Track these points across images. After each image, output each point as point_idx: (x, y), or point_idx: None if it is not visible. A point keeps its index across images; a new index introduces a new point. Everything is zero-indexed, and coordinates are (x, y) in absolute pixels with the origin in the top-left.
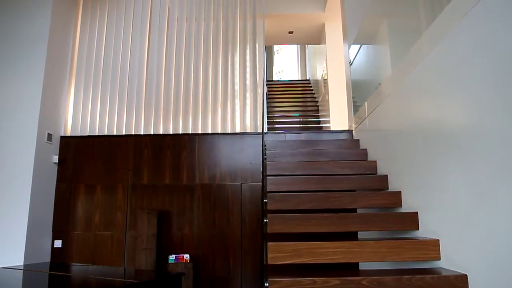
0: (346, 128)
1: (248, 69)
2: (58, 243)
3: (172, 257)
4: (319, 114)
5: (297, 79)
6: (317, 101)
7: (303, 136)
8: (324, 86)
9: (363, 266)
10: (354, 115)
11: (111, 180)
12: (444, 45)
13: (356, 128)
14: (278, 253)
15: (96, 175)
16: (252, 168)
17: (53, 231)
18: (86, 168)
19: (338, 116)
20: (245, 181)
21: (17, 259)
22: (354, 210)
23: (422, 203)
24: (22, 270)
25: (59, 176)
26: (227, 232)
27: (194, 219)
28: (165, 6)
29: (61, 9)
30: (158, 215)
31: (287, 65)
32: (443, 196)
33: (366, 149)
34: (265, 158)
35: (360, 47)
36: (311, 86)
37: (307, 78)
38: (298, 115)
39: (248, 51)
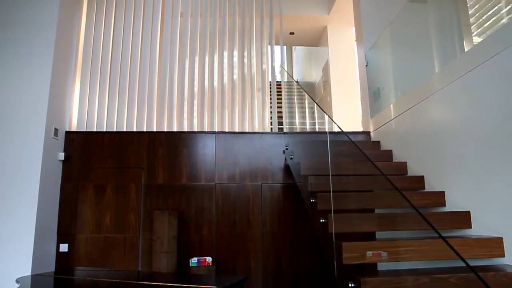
0: (356, 129)
1: (266, 68)
2: (64, 247)
3: (194, 260)
4: (314, 116)
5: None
6: (309, 103)
7: (321, 136)
8: (324, 88)
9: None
10: (371, 117)
11: (123, 179)
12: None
13: (375, 129)
14: (352, 253)
15: (106, 174)
16: (273, 168)
17: (58, 234)
18: (95, 166)
19: (342, 118)
20: (266, 181)
21: (24, 264)
22: (372, 210)
23: (475, 202)
24: (52, 277)
25: (65, 175)
26: (247, 233)
27: (213, 220)
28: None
29: None
30: None
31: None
32: (506, 195)
33: (391, 150)
34: (291, 158)
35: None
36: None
37: (296, 80)
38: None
39: (264, 49)
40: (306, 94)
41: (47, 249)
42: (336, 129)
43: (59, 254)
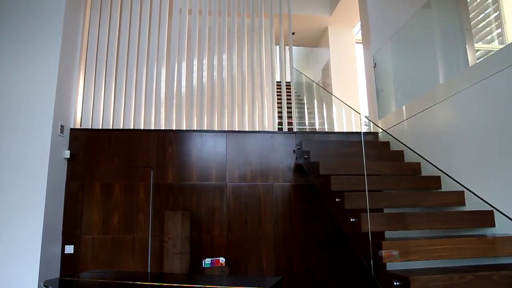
0: (359, 130)
1: (274, 67)
2: (69, 249)
3: (207, 261)
4: (310, 115)
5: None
6: (304, 103)
7: (332, 136)
8: (324, 88)
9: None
10: (379, 118)
11: (131, 178)
12: None
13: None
14: (392, 252)
15: (113, 173)
16: (284, 168)
17: (63, 235)
18: (102, 165)
19: (343, 118)
20: (277, 181)
21: (31, 266)
22: (380, 209)
23: (499, 201)
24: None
25: (70, 174)
26: (259, 233)
27: (224, 220)
28: None
29: None
30: None
31: None
32: None
33: (402, 151)
34: (306, 157)
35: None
36: (294, 89)
37: (289, 81)
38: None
39: (273, 49)
40: (329, 94)
41: (54, 251)
42: (336, 129)
43: (64, 256)
